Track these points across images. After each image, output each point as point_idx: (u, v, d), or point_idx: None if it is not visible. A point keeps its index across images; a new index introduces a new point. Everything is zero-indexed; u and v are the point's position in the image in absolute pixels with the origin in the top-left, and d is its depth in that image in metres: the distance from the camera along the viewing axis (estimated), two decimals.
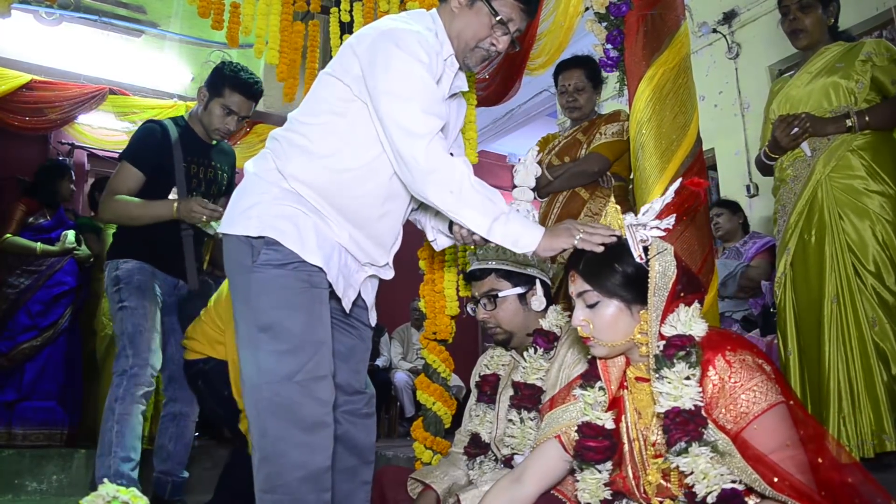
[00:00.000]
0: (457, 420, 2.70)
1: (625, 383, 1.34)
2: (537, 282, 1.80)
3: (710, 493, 1.13)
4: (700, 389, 1.17)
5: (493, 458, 1.80)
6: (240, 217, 1.52)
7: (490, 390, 1.87)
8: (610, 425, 1.30)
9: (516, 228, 1.43)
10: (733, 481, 1.13)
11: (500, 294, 1.78)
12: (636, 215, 1.33)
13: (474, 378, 1.94)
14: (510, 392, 1.77)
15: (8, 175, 4.72)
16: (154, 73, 5.58)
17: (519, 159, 1.97)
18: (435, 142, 1.44)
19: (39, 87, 4.84)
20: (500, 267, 1.79)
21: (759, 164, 2.54)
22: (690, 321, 1.22)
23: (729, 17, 4.79)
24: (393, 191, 1.59)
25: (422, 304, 2.69)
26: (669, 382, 1.18)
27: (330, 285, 1.53)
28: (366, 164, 1.55)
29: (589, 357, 1.39)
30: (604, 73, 2.76)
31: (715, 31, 4.86)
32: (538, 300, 1.78)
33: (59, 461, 3.49)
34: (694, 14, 4.84)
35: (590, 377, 1.37)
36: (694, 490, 1.14)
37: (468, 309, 1.91)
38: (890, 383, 2.03)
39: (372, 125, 1.53)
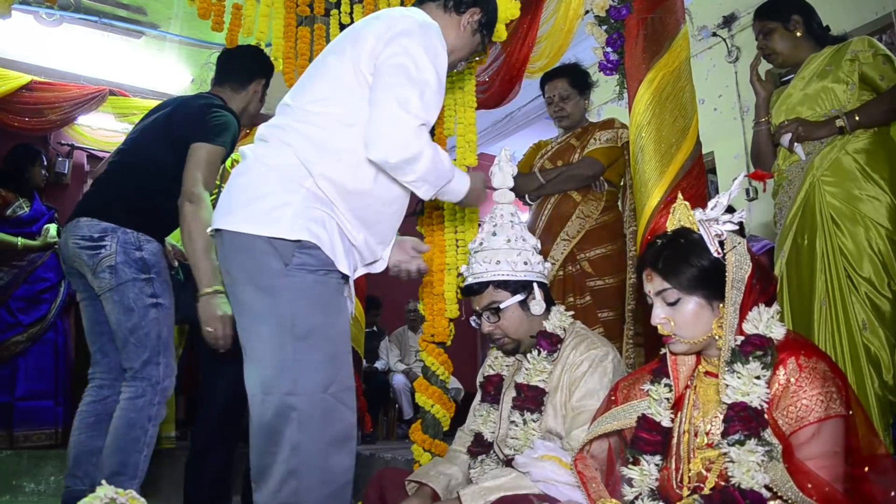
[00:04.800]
0: (455, 422, 2.70)
1: (689, 382, 1.37)
2: (535, 285, 1.80)
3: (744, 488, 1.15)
4: (768, 391, 1.19)
5: (496, 458, 1.80)
6: (266, 217, 1.42)
7: (494, 390, 1.87)
8: (667, 423, 1.34)
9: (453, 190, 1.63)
10: (768, 488, 1.14)
11: (502, 305, 1.77)
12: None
13: (479, 378, 1.95)
14: (513, 393, 1.77)
15: None
16: (154, 75, 5.57)
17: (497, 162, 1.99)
18: (423, 129, 1.48)
19: (39, 88, 4.83)
20: (496, 278, 1.78)
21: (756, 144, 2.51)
22: (771, 323, 1.25)
23: (729, 20, 4.79)
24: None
25: (420, 307, 2.68)
26: (740, 377, 1.21)
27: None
28: None
29: (661, 353, 1.42)
30: (603, 77, 2.76)
31: (715, 34, 4.86)
32: (538, 304, 1.78)
33: (56, 462, 3.47)
34: (694, 18, 4.84)
35: (660, 374, 1.40)
36: (730, 474, 1.16)
37: (472, 322, 1.90)
38: (881, 390, 2.03)
39: None
